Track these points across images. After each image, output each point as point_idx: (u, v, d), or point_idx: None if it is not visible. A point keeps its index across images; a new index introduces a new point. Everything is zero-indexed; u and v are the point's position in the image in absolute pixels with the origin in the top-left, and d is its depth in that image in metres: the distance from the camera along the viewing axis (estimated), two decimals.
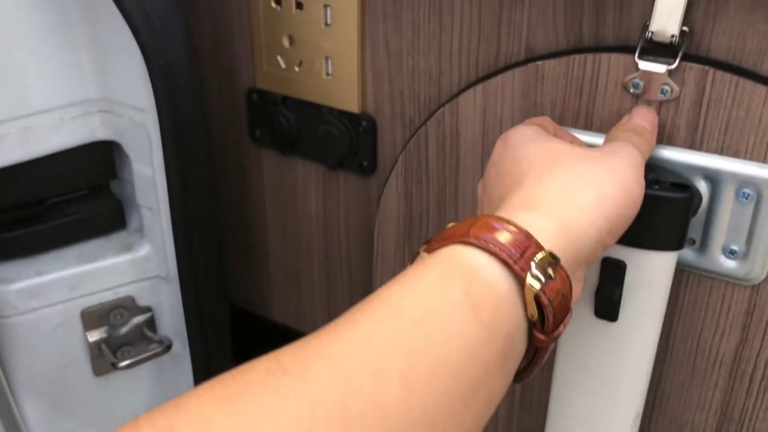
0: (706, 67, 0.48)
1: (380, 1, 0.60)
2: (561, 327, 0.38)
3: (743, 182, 0.49)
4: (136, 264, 0.76)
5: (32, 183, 0.71)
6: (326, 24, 0.63)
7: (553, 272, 0.36)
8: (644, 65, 0.49)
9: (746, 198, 0.49)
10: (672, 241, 0.48)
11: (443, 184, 0.63)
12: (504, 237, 0.36)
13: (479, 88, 0.57)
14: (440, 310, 0.34)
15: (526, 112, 0.56)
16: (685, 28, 0.48)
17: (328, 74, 0.66)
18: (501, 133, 0.48)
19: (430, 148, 0.61)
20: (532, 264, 0.36)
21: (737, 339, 0.54)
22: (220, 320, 0.78)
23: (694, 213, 0.51)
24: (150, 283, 0.77)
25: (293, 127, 0.70)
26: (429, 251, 0.38)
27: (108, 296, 0.76)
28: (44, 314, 0.73)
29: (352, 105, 0.65)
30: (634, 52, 0.49)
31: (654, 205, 0.46)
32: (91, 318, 0.76)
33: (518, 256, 0.36)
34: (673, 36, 0.48)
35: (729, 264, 0.52)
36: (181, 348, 0.81)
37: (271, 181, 0.77)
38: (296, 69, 0.67)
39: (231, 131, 0.77)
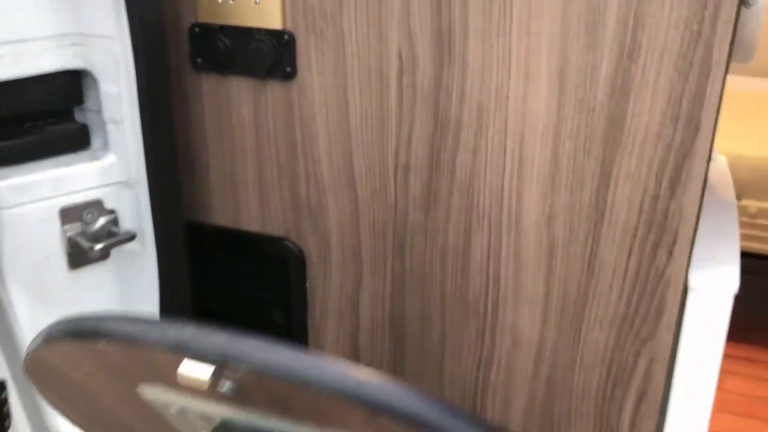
0: None
1: None
2: None
3: None
4: (103, 170, 0.94)
5: (17, 100, 0.88)
6: None
7: None
8: None
9: None
10: None
11: None
12: None
13: None
14: None
15: None
16: None
17: (256, 2, 0.89)
18: None
19: None
20: None
21: None
22: (177, 219, 0.97)
23: None
24: (114, 188, 0.95)
25: (230, 50, 0.93)
26: None
27: (81, 197, 0.93)
28: (30, 209, 0.89)
29: (276, 23, 0.89)
30: None
31: None
32: (67, 215, 0.92)
33: None
34: None
35: None
36: (140, 247, 0.98)
37: (210, 100, 0.98)
38: (231, 2, 0.90)
39: (173, 62, 0.98)
